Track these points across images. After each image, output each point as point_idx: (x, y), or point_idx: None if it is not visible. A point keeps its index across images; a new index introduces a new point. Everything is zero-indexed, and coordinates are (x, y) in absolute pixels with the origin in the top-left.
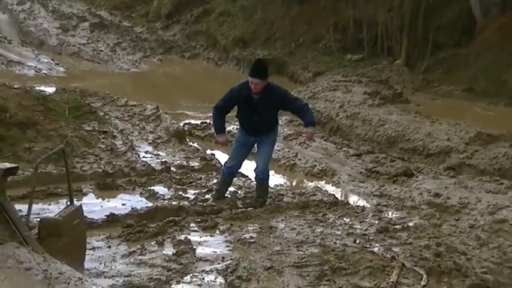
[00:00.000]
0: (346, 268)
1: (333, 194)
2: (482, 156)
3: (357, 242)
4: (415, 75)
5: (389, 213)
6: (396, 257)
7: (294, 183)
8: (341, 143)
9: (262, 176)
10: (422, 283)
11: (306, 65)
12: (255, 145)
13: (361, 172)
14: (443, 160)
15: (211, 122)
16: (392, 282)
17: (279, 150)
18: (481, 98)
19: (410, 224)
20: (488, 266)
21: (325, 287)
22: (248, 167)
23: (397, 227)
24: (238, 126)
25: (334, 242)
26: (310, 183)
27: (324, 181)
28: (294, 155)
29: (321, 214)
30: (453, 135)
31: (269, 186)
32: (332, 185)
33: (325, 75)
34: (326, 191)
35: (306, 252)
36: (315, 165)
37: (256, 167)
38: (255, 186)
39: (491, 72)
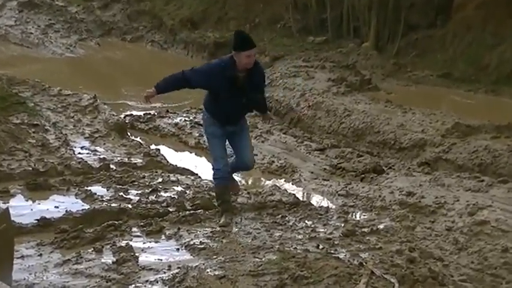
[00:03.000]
0: (308, 277)
1: (293, 194)
2: (461, 150)
3: (320, 247)
4: (385, 60)
5: (357, 214)
6: (364, 263)
7: (249, 182)
8: (302, 136)
9: (251, 167)
10: None
11: (263, 48)
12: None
13: (325, 169)
14: (417, 155)
15: (159, 83)
16: None
17: None
18: (459, 84)
19: (380, 226)
20: (467, 272)
21: None
22: (197, 164)
23: (366, 230)
24: (207, 117)
25: (295, 248)
26: (267, 182)
27: (283, 179)
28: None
29: (280, 216)
30: (428, 126)
31: None
32: (292, 184)
33: (284, 59)
34: (285, 190)
35: (263, 259)
36: (273, 162)
37: (244, 156)
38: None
39: (470, 55)
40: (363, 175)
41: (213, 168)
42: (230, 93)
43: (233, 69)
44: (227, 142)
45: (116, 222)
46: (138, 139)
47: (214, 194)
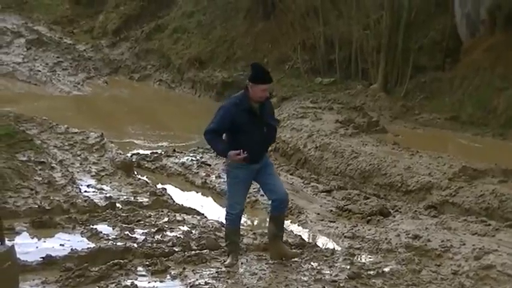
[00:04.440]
0: None
1: (299, 235)
2: (468, 194)
3: None
4: (393, 102)
5: (363, 257)
6: None
7: (255, 223)
8: (309, 178)
9: (287, 200)
10: None
11: (271, 88)
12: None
13: (331, 210)
14: (423, 198)
15: (208, 148)
16: None
17: None
18: (466, 127)
19: (386, 269)
20: None
21: None
22: (204, 203)
23: (371, 272)
24: (231, 161)
25: None
26: None
27: (290, 220)
28: (255, 190)
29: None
30: (435, 169)
31: None
32: (298, 225)
33: (292, 100)
34: (291, 231)
35: None
36: None
37: (277, 192)
38: (271, 220)
39: (478, 98)
40: (369, 217)
41: (228, 210)
42: (252, 126)
43: (247, 101)
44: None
45: (121, 261)
46: (144, 178)
47: (224, 233)
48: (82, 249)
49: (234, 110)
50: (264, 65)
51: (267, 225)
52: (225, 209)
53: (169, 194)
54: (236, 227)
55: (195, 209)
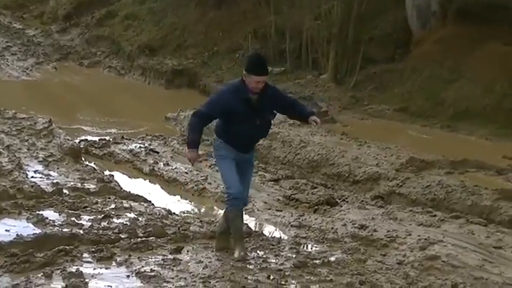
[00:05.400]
0: None
1: (246, 224)
2: (414, 185)
3: (271, 278)
4: (342, 92)
5: (309, 246)
6: None
7: (202, 210)
8: (256, 167)
9: (246, 204)
10: None
11: (221, 77)
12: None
13: (279, 200)
14: (370, 188)
15: (186, 134)
16: None
17: (186, 173)
18: (415, 118)
19: (332, 258)
20: None
21: None
22: (151, 191)
23: (317, 262)
24: (220, 142)
25: (246, 278)
26: (220, 211)
27: None
28: (203, 178)
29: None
30: (383, 160)
31: None
32: (245, 214)
33: None
34: None
35: None
36: None
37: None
38: (225, 217)
39: (427, 90)
40: (316, 207)
41: (227, 193)
42: (245, 116)
43: (245, 91)
44: None
45: (66, 247)
46: (92, 164)
47: (227, 219)
48: (28, 235)
49: (231, 98)
50: (262, 56)
51: (220, 220)
52: (222, 193)
53: (116, 181)
54: (239, 210)
55: (142, 196)
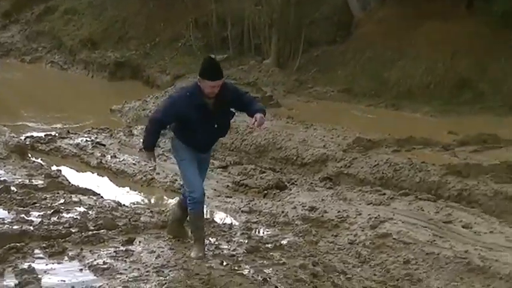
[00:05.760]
0: None
1: None
2: (362, 165)
3: (224, 264)
4: (286, 76)
5: (260, 230)
6: (268, 279)
7: (152, 201)
8: None
9: (203, 199)
10: None
11: (164, 67)
12: None
13: (228, 186)
14: (319, 170)
15: (144, 136)
16: None
17: (134, 164)
18: (359, 99)
19: (284, 242)
20: (370, 285)
21: None
22: (100, 184)
23: (269, 245)
24: (178, 142)
25: (199, 265)
26: (170, 200)
27: None
28: (151, 168)
29: None
30: (330, 141)
31: None
32: None
33: (186, 78)
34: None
35: (167, 277)
36: (176, 180)
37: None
38: (179, 207)
39: (370, 70)
40: (265, 191)
41: (190, 196)
42: (201, 121)
43: (200, 96)
44: None
45: (17, 244)
46: (39, 160)
47: (189, 219)
48: None
49: (185, 104)
50: (215, 60)
51: (174, 207)
52: (181, 194)
53: (64, 176)
54: (199, 210)
55: (91, 190)
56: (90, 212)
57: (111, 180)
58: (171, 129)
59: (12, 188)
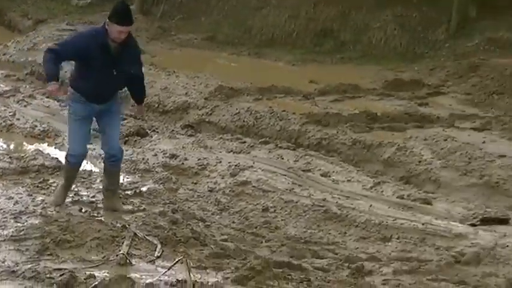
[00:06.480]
0: (71, 240)
1: (56, 158)
2: (224, 113)
3: (83, 210)
4: (150, 22)
5: (120, 177)
6: (127, 226)
7: (11, 147)
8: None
9: (119, 157)
10: (156, 254)
11: (26, 11)
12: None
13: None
14: (180, 117)
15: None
16: (123, 254)
17: None
18: (223, 47)
19: (144, 189)
20: (229, 232)
21: (47, 262)
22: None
23: (129, 192)
24: (74, 95)
25: (58, 212)
26: (30, 146)
27: (47, 143)
28: (11, 114)
29: (42, 180)
30: (192, 89)
31: None
32: (55, 148)
33: (48, 23)
34: (48, 154)
35: (25, 224)
36: (36, 126)
37: (109, 145)
38: (104, 171)
39: (235, 18)
40: (126, 138)
41: (68, 153)
42: (101, 63)
43: (105, 37)
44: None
45: None
46: None
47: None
48: None
49: (88, 41)
50: (127, 5)
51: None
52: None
53: None
54: (72, 168)
55: None
56: None
57: None
58: (69, 81)
59: None
